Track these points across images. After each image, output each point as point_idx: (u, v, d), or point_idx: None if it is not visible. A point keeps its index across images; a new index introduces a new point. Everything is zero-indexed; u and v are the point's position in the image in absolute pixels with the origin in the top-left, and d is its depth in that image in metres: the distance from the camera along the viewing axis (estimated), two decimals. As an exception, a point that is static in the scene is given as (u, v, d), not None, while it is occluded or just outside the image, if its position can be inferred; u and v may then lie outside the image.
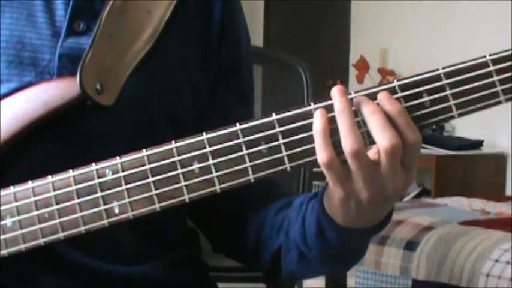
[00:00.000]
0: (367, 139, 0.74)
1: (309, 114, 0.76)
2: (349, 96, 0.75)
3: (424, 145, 3.76)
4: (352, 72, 4.66)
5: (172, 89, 0.96)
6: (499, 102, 0.73)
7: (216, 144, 0.77)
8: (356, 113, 0.75)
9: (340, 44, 5.05)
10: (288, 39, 5.36)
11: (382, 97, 0.74)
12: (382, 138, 0.72)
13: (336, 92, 0.75)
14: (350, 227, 0.80)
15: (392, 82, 0.75)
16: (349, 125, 0.73)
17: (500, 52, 0.73)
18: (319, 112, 0.75)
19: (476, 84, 0.73)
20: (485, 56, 0.73)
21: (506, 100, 0.73)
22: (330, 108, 0.76)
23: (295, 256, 0.89)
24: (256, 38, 5.05)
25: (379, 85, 0.76)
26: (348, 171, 0.75)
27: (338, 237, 0.82)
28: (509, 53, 0.73)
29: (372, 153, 0.74)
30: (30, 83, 0.90)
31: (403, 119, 0.73)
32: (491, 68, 0.73)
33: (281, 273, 0.95)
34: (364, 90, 0.75)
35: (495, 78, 0.73)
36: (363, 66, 4.43)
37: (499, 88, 0.73)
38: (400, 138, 0.73)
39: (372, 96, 0.75)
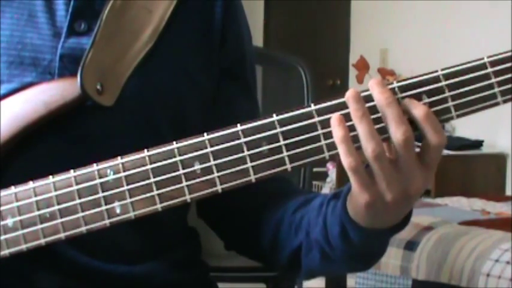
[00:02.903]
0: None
1: (310, 115, 0.76)
2: (366, 93, 0.75)
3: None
4: (352, 72, 4.66)
5: (173, 89, 0.96)
6: (497, 104, 0.74)
7: (217, 145, 0.78)
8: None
9: (340, 44, 5.05)
10: (288, 39, 5.36)
11: (407, 102, 0.75)
12: (397, 132, 0.74)
13: (351, 97, 0.75)
14: (373, 228, 0.81)
15: (392, 83, 0.75)
16: (368, 129, 0.74)
17: (498, 54, 0.73)
18: (337, 119, 0.76)
19: (474, 85, 0.74)
20: (483, 58, 0.74)
21: (504, 102, 0.74)
22: (331, 109, 0.76)
23: (317, 256, 0.90)
24: (256, 38, 5.05)
25: (379, 85, 0.76)
26: (371, 175, 0.76)
27: (361, 238, 0.82)
28: (506, 55, 0.73)
29: (387, 151, 0.75)
30: (31, 83, 0.90)
31: (431, 123, 0.74)
32: (489, 69, 0.73)
33: (300, 271, 0.95)
34: (363, 91, 0.76)
35: (493, 80, 0.73)
36: (363, 66, 4.43)
37: (496, 90, 0.73)
38: (412, 132, 0.74)
39: (370, 98, 0.75)
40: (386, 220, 0.81)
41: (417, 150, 0.76)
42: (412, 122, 0.75)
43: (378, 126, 0.75)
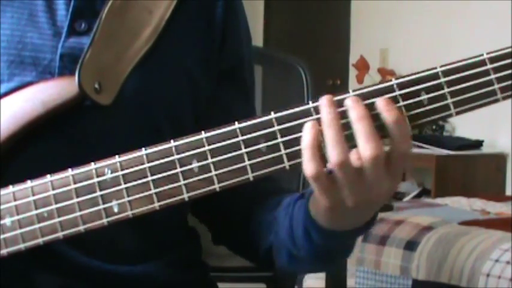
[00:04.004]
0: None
1: (308, 113, 0.76)
2: (344, 96, 0.75)
3: (424, 145, 3.76)
4: (352, 72, 4.66)
5: (172, 88, 0.96)
6: (497, 101, 0.73)
7: (215, 143, 0.77)
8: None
9: (340, 44, 5.05)
10: (288, 39, 5.36)
11: (380, 104, 0.74)
12: (365, 148, 0.73)
13: (324, 101, 0.75)
14: (335, 230, 0.81)
15: (391, 79, 0.75)
16: (335, 136, 0.74)
17: (498, 50, 0.73)
18: (310, 125, 0.75)
19: (473, 82, 0.73)
20: (482, 55, 0.73)
21: (504, 98, 0.73)
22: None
23: (285, 255, 0.91)
24: (256, 38, 5.05)
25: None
26: (333, 181, 0.75)
27: (324, 240, 0.83)
28: (506, 51, 0.73)
29: (354, 158, 0.74)
30: (31, 82, 0.90)
31: (399, 129, 0.73)
32: (489, 66, 0.73)
33: (275, 269, 0.97)
34: (362, 88, 0.75)
35: (492, 76, 0.73)
36: (363, 66, 4.43)
37: (496, 86, 0.73)
38: (382, 148, 0.73)
39: (369, 96, 0.75)
40: (348, 223, 0.81)
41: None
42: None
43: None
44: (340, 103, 0.75)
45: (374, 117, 0.74)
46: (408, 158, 0.75)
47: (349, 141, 0.74)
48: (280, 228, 0.91)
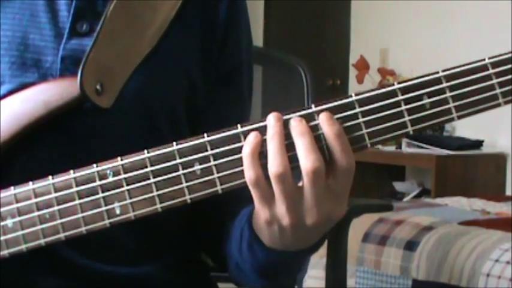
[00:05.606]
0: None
1: (310, 116, 0.76)
2: (290, 116, 0.75)
3: (424, 145, 3.75)
4: (352, 72, 4.66)
5: (173, 90, 0.96)
6: (498, 105, 0.74)
7: (217, 146, 0.77)
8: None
9: (340, 44, 5.05)
10: (288, 39, 5.36)
11: (322, 118, 0.74)
12: (306, 161, 0.73)
13: (270, 117, 0.75)
14: (276, 248, 0.81)
15: (393, 83, 0.75)
16: (277, 149, 0.73)
17: (500, 55, 0.73)
18: (253, 135, 0.75)
19: (475, 86, 0.74)
20: (484, 59, 0.74)
21: (505, 103, 0.73)
22: (332, 111, 0.75)
23: (234, 266, 0.92)
24: (256, 38, 5.04)
25: (379, 85, 0.76)
26: (272, 193, 0.75)
27: (266, 256, 0.83)
28: (508, 56, 0.73)
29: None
30: (32, 83, 0.89)
31: (339, 142, 0.73)
32: (491, 70, 0.73)
33: None
34: (365, 92, 0.75)
35: (494, 81, 0.73)
36: (363, 66, 4.42)
37: (498, 91, 0.73)
38: (322, 162, 0.73)
39: (371, 100, 0.75)
40: (289, 244, 0.79)
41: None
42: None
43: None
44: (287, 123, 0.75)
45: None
46: (351, 175, 0.74)
47: (293, 161, 0.74)
48: (233, 238, 0.91)
